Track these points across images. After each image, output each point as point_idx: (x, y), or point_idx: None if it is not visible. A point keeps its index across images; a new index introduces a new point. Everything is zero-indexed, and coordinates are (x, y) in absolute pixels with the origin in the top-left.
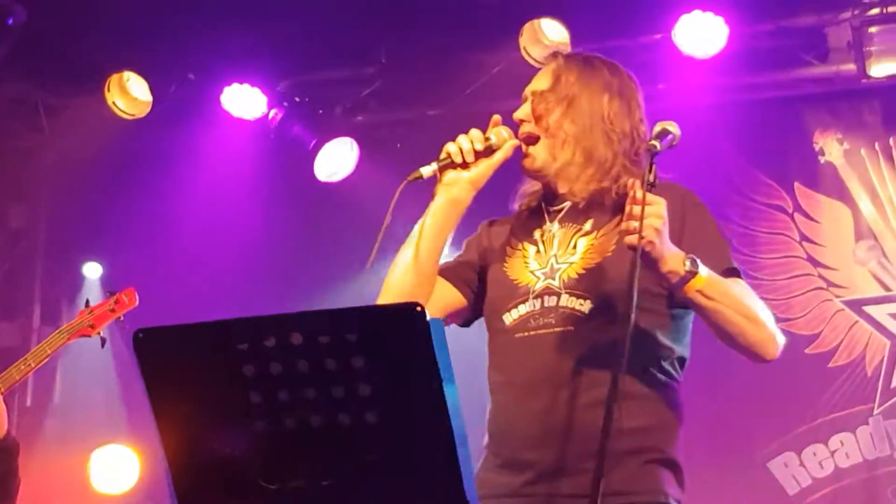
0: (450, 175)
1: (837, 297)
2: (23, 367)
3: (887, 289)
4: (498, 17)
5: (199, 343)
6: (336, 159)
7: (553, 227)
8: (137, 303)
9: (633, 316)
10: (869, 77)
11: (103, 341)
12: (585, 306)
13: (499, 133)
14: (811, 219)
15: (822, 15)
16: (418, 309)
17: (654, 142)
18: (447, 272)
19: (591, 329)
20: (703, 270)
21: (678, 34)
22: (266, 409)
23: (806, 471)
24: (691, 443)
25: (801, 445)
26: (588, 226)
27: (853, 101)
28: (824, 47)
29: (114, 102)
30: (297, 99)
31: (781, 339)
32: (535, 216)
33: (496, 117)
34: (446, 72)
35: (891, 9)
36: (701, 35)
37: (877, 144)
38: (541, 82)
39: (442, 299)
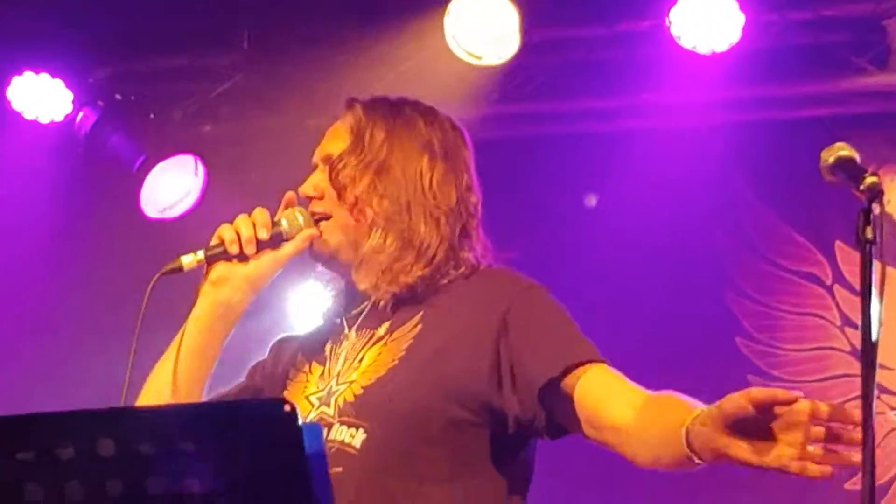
0: (220, 269)
1: (892, 408)
2: None
3: None
4: None
5: None
6: (173, 186)
7: (350, 337)
8: None
9: None
10: None
11: None
12: (357, 438)
13: (292, 217)
14: (858, 294)
15: (881, 1)
16: (286, 408)
17: (873, 178)
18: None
19: (364, 470)
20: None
21: (675, 21)
22: None
23: None
24: None
25: None
26: (382, 329)
27: None
28: (883, 47)
29: None
30: (118, 96)
31: None
32: (332, 324)
33: (290, 195)
34: (336, 64)
35: None
36: (707, 23)
37: None
38: (335, 143)
39: None
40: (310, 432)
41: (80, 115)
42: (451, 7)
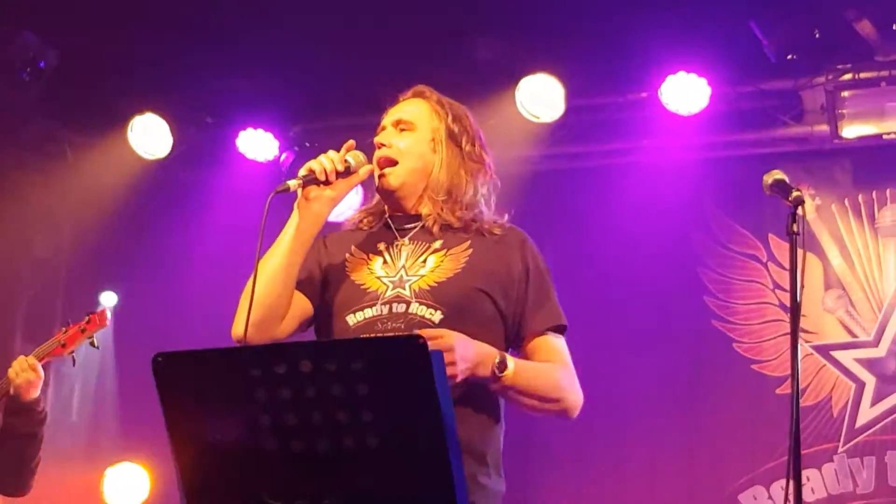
0: (312, 191)
1: (807, 341)
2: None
3: (853, 335)
4: (496, 71)
5: (214, 368)
6: (343, 201)
7: (403, 242)
8: (108, 324)
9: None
10: (841, 138)
11: (73, 360)
12: (436, 317)
13: (356, 156)
14: (783, 268)
15: (798, 79)
16: (420, 342)
17: (797, 192)
18: (298, 283)
19: None
20: (510, 367)
21: (664, 93)
22: (275, 432)
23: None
24: (666, 476)
25: (770, 480)
26: (437, 244)
27: (826, 160)
28: (800, 109)
29: (136, 142)
30: (307, 144)
31: (579, 400)
32: (379, 233)
33: (350, 142)
34: None
35: (862, 75)
36: (685, 94)
37: (846, 201)
38: (406, 112)
39: (300, 309)
40: (436, 357)
41: (283, 156)
42: (520, 85)
